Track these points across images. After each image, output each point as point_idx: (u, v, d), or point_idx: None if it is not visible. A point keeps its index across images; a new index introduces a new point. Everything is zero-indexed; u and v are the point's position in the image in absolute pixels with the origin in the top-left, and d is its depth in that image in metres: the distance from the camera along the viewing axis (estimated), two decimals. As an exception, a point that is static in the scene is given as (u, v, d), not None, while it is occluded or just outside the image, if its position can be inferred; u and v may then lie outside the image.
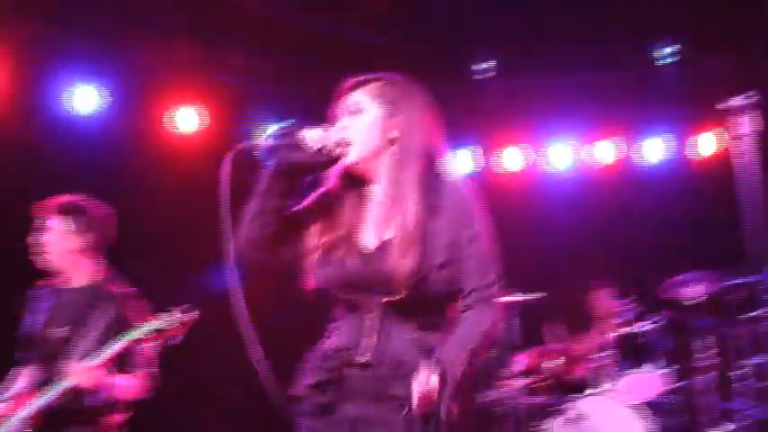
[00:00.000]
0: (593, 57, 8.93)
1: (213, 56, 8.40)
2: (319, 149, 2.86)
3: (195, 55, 8.36)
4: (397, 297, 2.75)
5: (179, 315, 4.32)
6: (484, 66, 9.08)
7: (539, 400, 7.35)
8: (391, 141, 2.90)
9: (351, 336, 2.82)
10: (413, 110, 2.94)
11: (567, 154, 9.59)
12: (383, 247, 2.82)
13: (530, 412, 7.31)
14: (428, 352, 2.72)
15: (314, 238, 2.92)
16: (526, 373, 7.51)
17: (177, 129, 8.33)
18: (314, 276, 2.89)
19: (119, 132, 8.07)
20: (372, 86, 2.96)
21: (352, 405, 2.79)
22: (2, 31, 7.48)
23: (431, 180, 2.87)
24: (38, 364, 4.59)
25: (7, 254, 6.09)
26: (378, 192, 2.92)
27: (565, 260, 9.02)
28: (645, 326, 7.24)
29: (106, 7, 7.81)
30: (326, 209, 2.96)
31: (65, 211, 4.68)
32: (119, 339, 4.31)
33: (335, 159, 2.89)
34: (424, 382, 2.62)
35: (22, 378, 4.69)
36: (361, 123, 2.91)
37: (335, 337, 2.87)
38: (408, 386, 2.67)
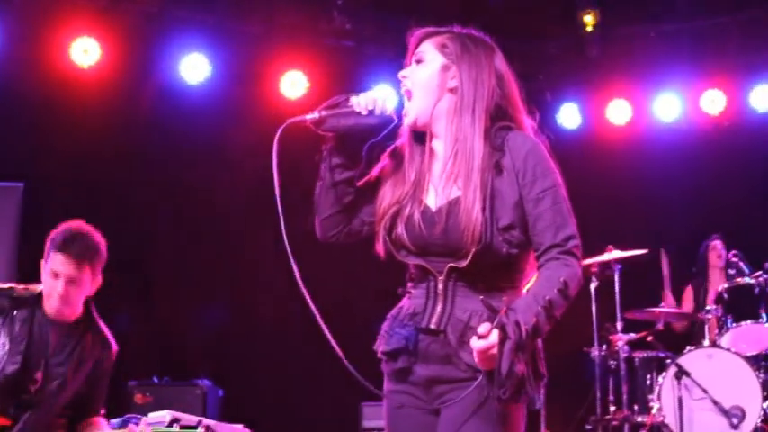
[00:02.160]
0: (700, 1, 8.76)
1: (317, 20, 8.50)
2: (370, 111, 2.86)
3: (299, 20, 8.47)
4: (463, 263, 2.73)
5: None
6: (587, 16, 8.94)
7: (649, 354, 7.32)
8: (451, 92, 2.86)
9: (421, 300, 2.83)
10: (475, 62, 2.86)
11: (674, 105, 9.38)
12: (448, 207, 2.77)
13: (641, 366, 7.31)
14: (495, 313, 2.60)
15: (383, 200, 2.90)
16: (635, 326, 7.49)
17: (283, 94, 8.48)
18: (383, 239, 2.87)
19: (228, 100, 8.25)
20: (438, 38, 2.93)
21: (425, 366, 2.79)
22: (115, 7, 7.74)
23: (496, 136, 2.79)
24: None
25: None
26: (441, 147, 2.89)
27: (673, 215, 8.90)
28: (761, 277, 7.12)
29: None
30: (394, 168, 2.94)
31: (91, 258, 4.18)
32: None
33: (389, 120, 2.88)
34: (484, 336, 2.56)
35: None
36: (421, 72, 2.89)
37: (409, 301, 2.88)
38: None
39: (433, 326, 2.77)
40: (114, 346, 4.36)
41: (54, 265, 4.09)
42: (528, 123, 2.91)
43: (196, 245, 8.20)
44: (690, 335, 7.82)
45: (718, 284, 7.68)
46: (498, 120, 2.84)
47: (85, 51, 7.65)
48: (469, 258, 2.71)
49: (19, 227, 7.03)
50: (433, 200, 2.84)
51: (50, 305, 4.13)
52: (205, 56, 8.10)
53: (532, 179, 2.74)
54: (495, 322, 2.56)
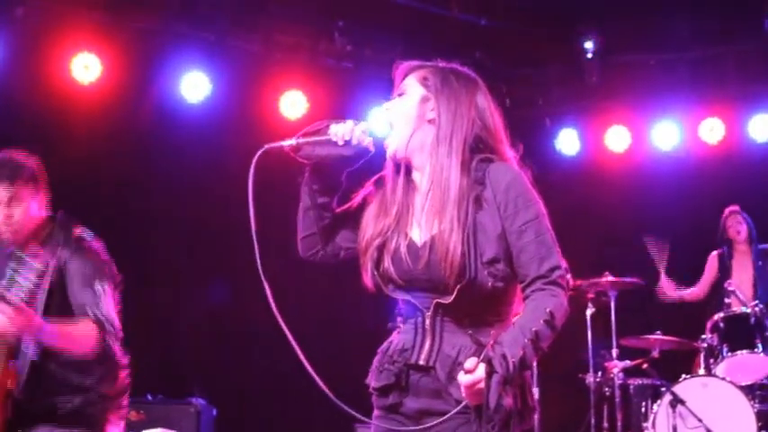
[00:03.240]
0: (700, 31, 8.80)
1: (318, 41, 8.53)
2: (347, 141, 2.88)
3: (300, 40, 8.50)
4: (448, 299, 2.73)
5: None
6: (587, 43, 8.99)
7: (644, 381, 7.31)
8: (430, 123, 2.88)
9: (409, 336, 2.83)
10: (454, 94, 2.87)
11: (672, 133, 9.40)
12: (431, 241, 2.79)
13: (636, 393, 7.30)
14: (483, 348, 2.63)
15: (366, 230, 2.93)
16: (631, 354, 7.48)
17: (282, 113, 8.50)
18: (371, 273, 2.88)
19: (228, 119, 8.26)
20: (421, 71, 2.95)
21: (416, 400, 2.81)
22: (116, 24, 7.76)
23: (477, 168, 2.80)
24: None
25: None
26: (421, 179, 2.91)
27: (671, 243, 8.90)
28: (757, 306, 7.12)
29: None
30: (378, 199, 2.96)
31: (30, 177, 4.20)
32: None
33: (365, 151, 2.91)
34: (471, 370, 2.57)
35: None
36: (402, 104, 2.93)
37: (398, 336, 2.88)
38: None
39: (422, 362, 2.78)
40: (87, 243, 4.19)
41: None
42: (510, 154, 2.91)
43: (194, 262, 8.19)
44: (707, 304, 7.85)
45: (744, 256, 7.94)
46: (479, 152, 2.84)
47: (86, 67, 7.65)
48: (455, 294, 2.72)
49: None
50: (417, 234, 2.86)
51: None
52: (205, 74, 8.11)
53: (514, 211, 2.75)
54: (481, 356, 2.57)
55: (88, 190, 7.62)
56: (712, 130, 9.24)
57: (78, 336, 3.97)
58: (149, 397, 6.94)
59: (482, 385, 2.55)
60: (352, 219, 3.00)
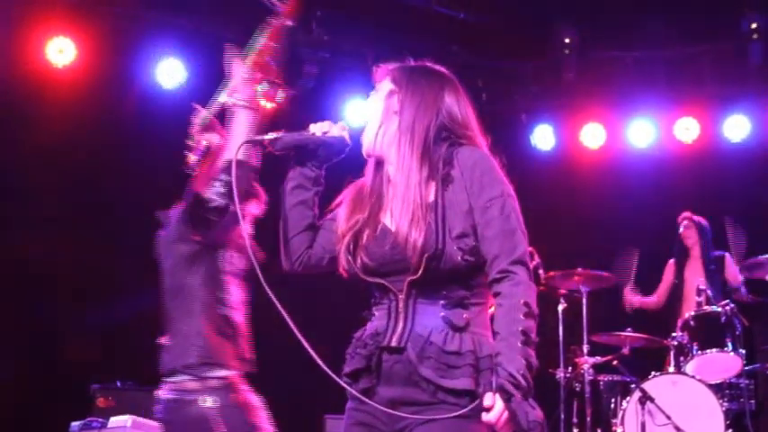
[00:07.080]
0: (678, 30, 8.84)
1: (295, 30, 8.49)
2: (324, 133, 3.04)
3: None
4: (417, 274, 2.75)
5: None
6: (565, 39, 9.01)
7: (613, 378, 7.33)
8: (396, 115, 2.94)
9: (384, 320, 2.85)
10: (418, 87, 2.94)
11: (648, 131, 9.43)
12: (397, 225, 2.84)
13: (606, 389, 7.33)
14: (455, 329, 2.72)
15: (342, 221, 2.98)
16: (601, 350, 7.50)
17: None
18: (346, 260, 2.91)
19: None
20: (393, 70, 3.03)
21: (388, 388, 2.80)
22: (92, 8, 7.70)
23: (442, 151, 2.87)
24: None
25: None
26: (392, 170, 2.95)
27: (643, 240, 8.94)
28: (727, 305, 7.16)
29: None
30: (356, 196, 3.02)
31: None
32: None
33: (342, 141, 3.05)
34: (491, 407, 2.62)
35: None
36: (373, 101, 3.03)
37: (371, 324, 2.89)
38: (435, 368, 2.70)
39: (394, 344, 2.78)
40: None
41: None
42: (481, 141, 2.95)
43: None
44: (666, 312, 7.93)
45: (696, 261, 8.08)
46: (446, 140, 2.90)
47: (61, 51, 7.60)
48: (422, 267, 2.74)
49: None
50: (389, 220, 2.90)
51: None
52: (181, 61, 8.06)
53: (480, 188, 2.80)
54: (493, 387, 2.62)
55: (62, 172, 7.57)
56: (687, 130, 9.28)
57: None
58: (119, 384, 6.90)
59: (506, 415, 2.60)
60: (334, 225, 3.04)
